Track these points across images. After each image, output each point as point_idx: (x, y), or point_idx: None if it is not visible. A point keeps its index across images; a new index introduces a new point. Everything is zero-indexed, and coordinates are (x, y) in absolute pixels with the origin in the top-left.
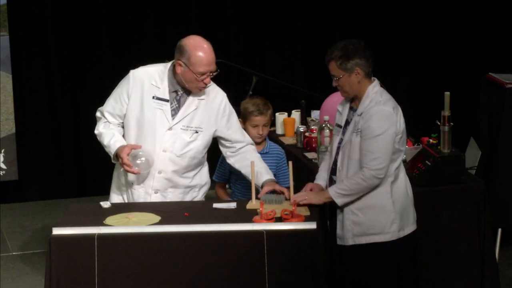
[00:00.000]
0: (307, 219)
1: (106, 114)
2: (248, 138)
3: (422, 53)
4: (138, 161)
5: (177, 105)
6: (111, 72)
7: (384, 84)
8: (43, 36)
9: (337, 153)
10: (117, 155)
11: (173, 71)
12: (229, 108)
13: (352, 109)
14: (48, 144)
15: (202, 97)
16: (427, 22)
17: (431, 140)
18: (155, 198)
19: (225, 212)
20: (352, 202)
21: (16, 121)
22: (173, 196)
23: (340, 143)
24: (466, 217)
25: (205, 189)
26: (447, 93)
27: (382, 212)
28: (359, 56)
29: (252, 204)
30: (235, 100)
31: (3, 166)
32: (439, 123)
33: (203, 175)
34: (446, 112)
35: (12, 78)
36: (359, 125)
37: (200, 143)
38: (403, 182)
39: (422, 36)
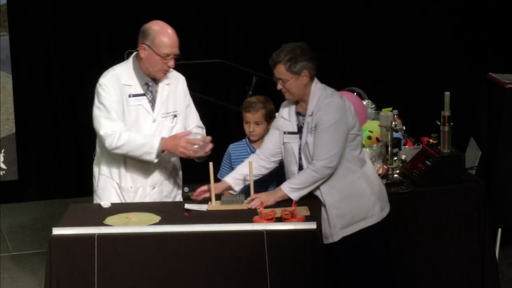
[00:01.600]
0: (307, 219)
1: (119, 122)
2: (200, 123)
3: (422, 53)
4: (196, 147)
5: (151, 96)
6: None
7: (383, 84)
8: (43, 36)
9: (300, 158)
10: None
11: (137, 64)
12: (188, 90)
13: (300, 114)
14: (48, 144)
15: (168, 82)
16: (427, 22)
17: (431, 140)
18: (154, 193)
19: (225, 212)
20: (331, 197)
21: (16, 121)
22: (168, 187)
23: (300, 148)
24: (466, 217)
25: (180, 173)
26: (447, 93)
27: (362, 198)
28: (307, 59)
29: (212, 205)
30: (235, 100)
31: (3, 166)
32: (439, 123)
33: (176, 159)
34: (446, 112)
35: (12, 78)
36: (312, 125)
37: (180, 126)
38: (371, 165)
39: (422, 36)
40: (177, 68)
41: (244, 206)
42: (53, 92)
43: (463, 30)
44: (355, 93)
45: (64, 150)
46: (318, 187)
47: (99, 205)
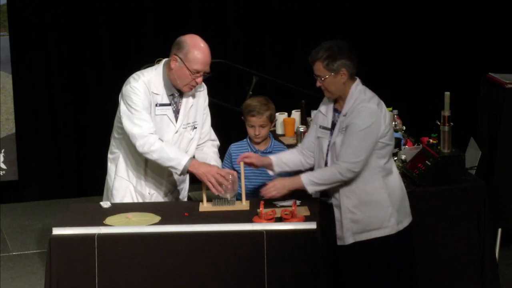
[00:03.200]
0: (307, 219)
1: (152, 125)
2: (213, 135)
3: (422, 53)
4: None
5: (175, 107)
6: (111, 72)
7: (383, 84)
8: (43, 36)
9: (327, 155)
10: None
11: (166, 73)
12: (207, 99)
13: (337, 111)
14: (48, 144)
15: (192, 93)
16: (428, 22)
17: (431, 140)
18: (166, 199)
19: (225, 212)
20: (349, 201)
21: (16, 121)
22: (177, 194)
23: (329, 145)
24: (466, 217)
25: (188, 179)
26: (447, 93)
27: (379, 207)
28: (345, 57)
29: (204, 206)
30: (235, 100)
31: (3, 166)
32: (439, 123)
33: None
34: (446, 112)
35: (12, 78)
36: (343, 125)
37: (198, 136)
38: (397, 176)
39: (422, 36)
40: None
41: (235, 207)
42: (53, 92)
43: (463, 30)
44: None
45: (64, 150)
46: (338, 189)
47: (99, 205)
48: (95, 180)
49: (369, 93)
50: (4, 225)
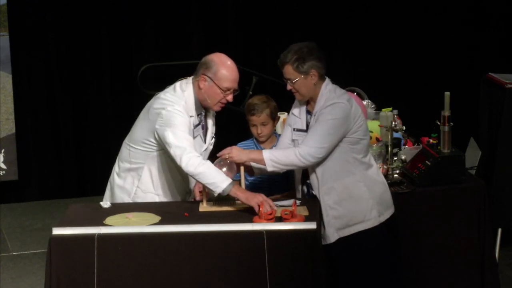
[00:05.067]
0: (307, 219)
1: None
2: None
3: (422, 53)
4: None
5: (203, 125)
6: (111, 72)
7: (383, 84)
8: (43, 36)
9: None
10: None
11: (196, 94)
12: None
13: (309, 113)
14: (48, 144)
15: None
16: (428, 22)
17: (431, 140)
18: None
19: (225, 212)
20: (329, 198)
21: (16, 121)
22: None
23: None
24: (466, 217)
25: None
26: (447, 93)
27: (360, 201)
28: (315, 58)
29: (204, 206)
30: (235, 100)
31: (3, 166)
32: (439, 123)
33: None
34: (446, 112)
35: (12, 78)
36: (313, 124)
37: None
38: (376, 169)
39: (422, 36)
40: (178, 68)
41: (235, 207)
42: (53, 92)
43: (463, 30)
44: (355, 93)
45: (64, 150)
46: (317, 188)
47: (99, 205)
48: (95, 180)
49: (339, 91)
50: (4, 225)
